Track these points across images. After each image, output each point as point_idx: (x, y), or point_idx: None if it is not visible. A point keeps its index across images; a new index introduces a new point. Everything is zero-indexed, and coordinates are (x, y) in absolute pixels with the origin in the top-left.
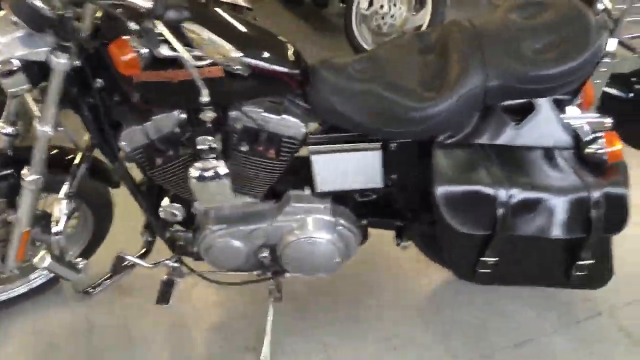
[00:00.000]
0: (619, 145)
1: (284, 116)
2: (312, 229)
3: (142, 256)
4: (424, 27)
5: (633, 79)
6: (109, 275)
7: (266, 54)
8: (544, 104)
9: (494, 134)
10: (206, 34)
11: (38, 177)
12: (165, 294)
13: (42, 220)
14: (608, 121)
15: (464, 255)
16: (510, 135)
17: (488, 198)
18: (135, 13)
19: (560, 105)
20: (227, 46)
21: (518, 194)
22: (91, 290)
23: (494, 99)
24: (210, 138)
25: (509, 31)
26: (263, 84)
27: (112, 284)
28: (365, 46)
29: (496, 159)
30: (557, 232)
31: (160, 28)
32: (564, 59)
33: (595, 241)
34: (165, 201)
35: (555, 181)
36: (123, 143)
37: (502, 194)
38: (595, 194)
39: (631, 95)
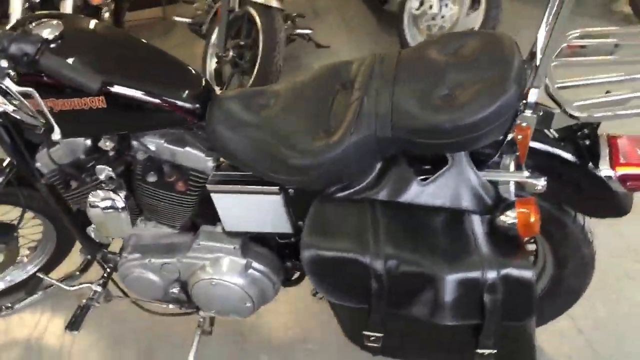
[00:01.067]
0: (533, 218)
1: (187, 148)
2: (221, 270)
3: (73, 276)
4: (476, 29)
5: (579, 136)
6: (24, 296)
7: (153, 87)
8: (459, 158)
9: (395, 189)
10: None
11: None
12: (77, 319)
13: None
14: (541, 182)
15: (346, 323)
16: (414, 192)
17: (361, 268)
18: None
19: (481, 161)
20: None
21: (398, 267)
22: (4, 308)
23: (392, 149)
24: (108, 168)
25: (422, 71)
26: (154, 116)
27: (30, 305)
28: None
29: (388, 220)
30: (445, 315)
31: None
32: (469, 110)
33: (496, 329)
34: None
35: (449, 254)
36: (38, 164)
37: (378, 265)
38: (491, 275)
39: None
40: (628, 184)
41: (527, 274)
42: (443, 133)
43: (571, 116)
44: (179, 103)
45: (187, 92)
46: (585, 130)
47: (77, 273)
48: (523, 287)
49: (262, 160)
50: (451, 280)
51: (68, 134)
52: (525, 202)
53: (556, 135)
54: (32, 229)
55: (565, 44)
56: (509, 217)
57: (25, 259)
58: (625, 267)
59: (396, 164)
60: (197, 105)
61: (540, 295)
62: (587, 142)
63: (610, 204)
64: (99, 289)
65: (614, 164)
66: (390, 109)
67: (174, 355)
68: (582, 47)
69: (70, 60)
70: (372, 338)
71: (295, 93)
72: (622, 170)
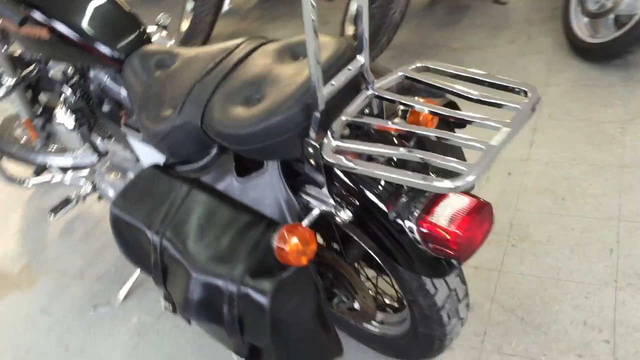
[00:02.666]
0: (287, 247)
1: (123, 88)
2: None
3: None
4: None
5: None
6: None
7: (80, 29)
8: (272, 167)
9: (217, 176)
10: None
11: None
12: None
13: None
14: (344, 215)
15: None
16: (229, 186)
17: (147, 239)
18: None
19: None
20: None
21: (167, 250)
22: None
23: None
24: (68, 89)
25: (260, 69)
26: (82, 55)
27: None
28: (579, 34)
29: (191, 205)
30: (190, 311)
31: None
32: (243, 120)
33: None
34: None
35: (217, 255)
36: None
37: (156, 241)
38: (232, 289)
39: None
40: (430, 245)
41: (262, 300)
42: (220, 137)
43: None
44: (100, 48)
45: (113, 39)
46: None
47: None
48: (257, 310)
49: (138, 116)
50: (197, 280)
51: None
52: (291, 229)
53: None
54: None
55: (402, 74)
56: (273, 240)
57: None
58: None
59: (226, 154)
60: (117, 54)
61: (402, 335)
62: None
63: (418, 259)
64: (87, 189)
65: (422, 216)
66: (205, 102)
67: None
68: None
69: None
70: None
71: (188, 62)
72: (425, 228)
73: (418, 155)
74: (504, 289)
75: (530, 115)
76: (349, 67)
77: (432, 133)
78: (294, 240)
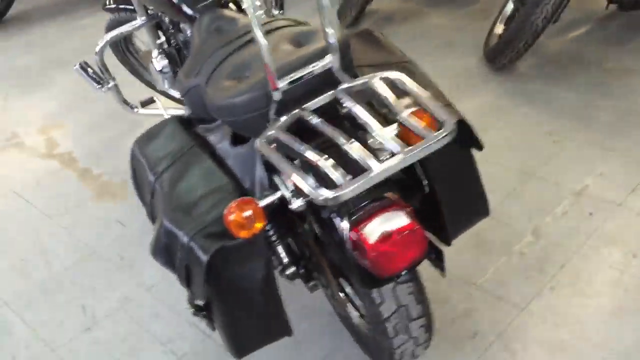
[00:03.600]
0: (231, 216)
1: None
2: None
3: None
4: None
5: None
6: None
7: None
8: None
9: (219, 139)
10: None
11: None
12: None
13: None
14: (295, 204)
15: None
16: (226, 151)
17: (147, 178)
18: None
19: None
20: None
21: (156, 191)
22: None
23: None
24: (163, 37)
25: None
26: (172, 9)
27: None
28: None
29: (189, 158)
30: (156, 254)
31: None
32: (227, 94)
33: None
34: None
35: (183, 206)
36: None
37: (151, 181)
38: (184, 240)
39: None
40: (355, 251)
41: (202, 257)
42: (206, 104)
43: None
44: (182, 5)
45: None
46: None
47: None
48: (198, 266)
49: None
50: (164, 225)
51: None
52: (243, 202)
53: None
54: None
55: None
56: (225, 207)
57: None
58: None
59: None
60: (193, 13)
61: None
62: None
63: (353, 265)
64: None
65: (356, 221)
66: (212, 70)
67: None
68: None
69: None
70: None
71: (230, 29)
72: (355, 232)
73: (327, 162)
74: (516, 329)
75: (436, 148)
76: (314, 65)
77: (340, 138)
78: (240, 213)
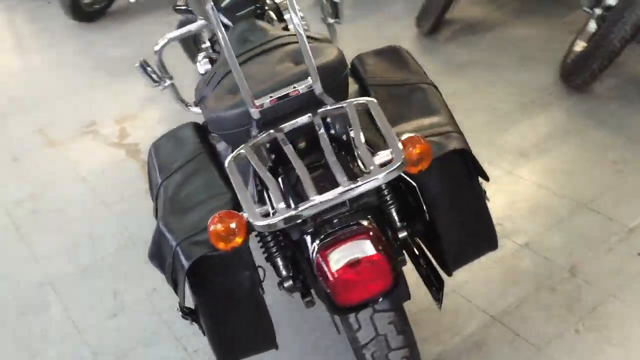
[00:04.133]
0: (213, 226)
1: None
2: None
3: None
4: None
5: None
6: None
7: None
8: None
9: (226, 148)
10: None
11: None
12: None
13: None
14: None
15: None
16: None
17: (155, 180)
18: None
19: None
20: None
21: (161, 195)
22: None
23: None
24: (208, 43)
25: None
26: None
27: None
28: None
29: (193, 162)
30: (151, 254)
31: None
32: (217, 107)
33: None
34: None
35: (177, 211)
36: None
37: (157, 184)
38: (172, 243)
39: None
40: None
41: (185, 263)
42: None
43: None
44: (220, 14)
45: (232, 8)
46: None
47: None
48: (181, 271)
49: None
50: (159, 228)
51: None
52: (226, 215)
53: None
54: None
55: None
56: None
57: None
58: None
59: None
60: (229, 21)
61: None
62: None
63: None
64: None
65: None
66: (220, 79)
67: None
68: None
69: None
70: None
71: (252, 38)
72: (322, 260)
73: (275, 186)
74: None
75: (380, 183)
76: (295, 86)
77: (297, 163)
78: (219, 225)
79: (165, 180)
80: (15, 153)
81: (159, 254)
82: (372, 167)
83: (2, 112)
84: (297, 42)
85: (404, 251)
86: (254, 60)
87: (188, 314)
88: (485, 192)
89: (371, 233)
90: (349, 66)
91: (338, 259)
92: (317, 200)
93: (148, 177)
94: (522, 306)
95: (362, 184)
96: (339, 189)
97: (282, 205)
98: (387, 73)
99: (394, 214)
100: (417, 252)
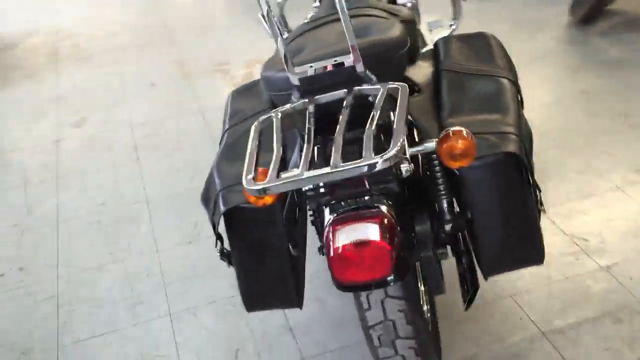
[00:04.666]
0: None
1: None
2: None
3: None
4: None
5: None
6: None
7: None
8: None
9: None
10: None
11: None
12: None
13: None
14: None
15: None
16: None
17: (224, 123)
18: None
19: None
20: None
21: (223, 140)
22: None
23: None
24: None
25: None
26: None
27: None
28: None
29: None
30: (203, 194)
31: None
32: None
33: None
34: None
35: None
36: None
37: (225, 126)
38: (217, 188)
39: None
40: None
41: (222, 208)
42: None
43: None
44: None
45: None
46: None
47: None
48: (218, 215)
49: None
50: (211, 171)
51: None
52: (261, 171)
53: None
54: None
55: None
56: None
57: None
58: None
59: None
60: None
61: None
62: None
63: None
64: None
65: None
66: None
67: None
68: None
69: None
70: None
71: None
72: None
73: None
74: None
75: (363, 171)
76: (337, 59)
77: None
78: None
79: (231, 128)
80: (154, 79)
81: (207, 196)
82: (366, 154)
83: (149, 41)
84: (375, 16)
85: (447, 246)
86: (329, 26)
87: (226, 255)
88: (542, 203)
89: (385, 220)
90: (408, 45)
91: (343, 236)
92: (307, 174)
93: (222, 124)
94: (578, 329)
95: (346, 169)
96: (326, 169)
97: (273, 174)
98: (465, 60)
99: (444, 205)
100: (463, 249)
